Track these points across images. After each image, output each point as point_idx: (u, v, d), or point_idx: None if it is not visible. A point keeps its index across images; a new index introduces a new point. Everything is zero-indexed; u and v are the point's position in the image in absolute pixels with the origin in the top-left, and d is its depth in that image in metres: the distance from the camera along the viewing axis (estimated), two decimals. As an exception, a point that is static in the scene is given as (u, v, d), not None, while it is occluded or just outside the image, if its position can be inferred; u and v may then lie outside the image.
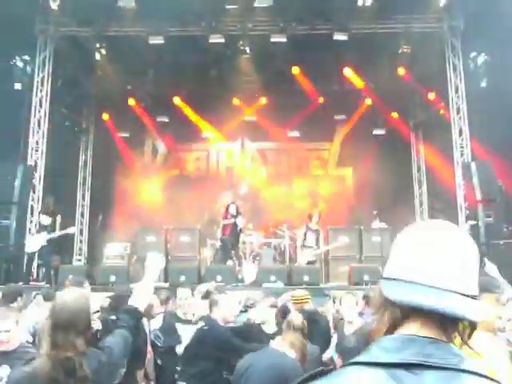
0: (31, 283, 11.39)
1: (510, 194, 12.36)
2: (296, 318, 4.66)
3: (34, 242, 11.58)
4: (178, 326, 5.87)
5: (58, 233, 11.81)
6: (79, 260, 15.95)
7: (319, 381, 1.21)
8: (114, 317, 4.00)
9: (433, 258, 1.22)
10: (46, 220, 11.73)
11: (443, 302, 1.17)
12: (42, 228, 11.73)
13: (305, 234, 12.51)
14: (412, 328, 1.22)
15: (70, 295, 3.00)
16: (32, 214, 13.11)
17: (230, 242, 12.54)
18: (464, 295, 1.20)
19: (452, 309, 1.17)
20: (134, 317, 3.23)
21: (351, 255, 13.23)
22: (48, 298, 6.21)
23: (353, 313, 5.55)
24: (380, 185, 15.68)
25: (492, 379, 1.16)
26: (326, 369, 1.24)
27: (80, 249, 16.37)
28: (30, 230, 12.72)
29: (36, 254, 11.83)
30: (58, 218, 11.92)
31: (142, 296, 3.38)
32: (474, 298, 1.21)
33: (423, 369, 1.14)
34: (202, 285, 9.41)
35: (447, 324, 1.21)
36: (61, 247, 13.96)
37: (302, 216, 14.26)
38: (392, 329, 1.25)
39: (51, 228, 11.74)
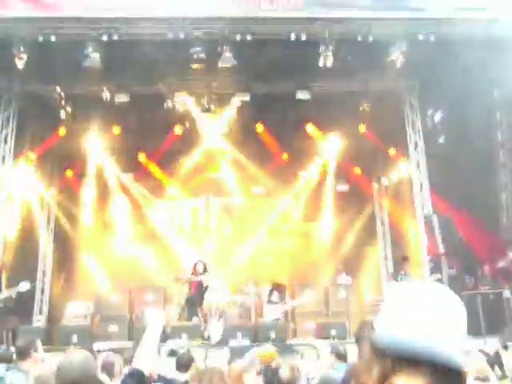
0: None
1: (470, 247, 12.62)
2: (283, 373, 4.62)
3: None
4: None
5: (8, 292, 11.24)
6: (39, 320, 15.46)
7: None
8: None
9: (430, 317, 1.24)
10: None
11: (442, 351, 1.21)
12: None
13: (270, 291, 12.51)
14: (402, 380, 1.21)
15: (76, 356, 2.94)
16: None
17: (195, 299, 12.40)
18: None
19: (449, 358, 1.21)
20: (139, 381, 2.93)
21: (317, 311, 13.23)
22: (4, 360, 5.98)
23: (316, 367, 5.51)
24: (344, 240, 15.85)
25: None
26: None
27: (40, 308, 15.89)
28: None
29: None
30: (3, 278, 11.40)
31: (146, 357, 3.05)
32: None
33: None
34: (167, 342, 9.28)
35: (438, 376, 1.21)
36: (19, 308, 13.55)
37: (268, 272, 14.28)
38: (382, 380, 1.24)
39: None
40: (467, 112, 12.47)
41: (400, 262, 13.13)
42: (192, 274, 12.70)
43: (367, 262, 16.09)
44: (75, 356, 2.93)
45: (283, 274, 15.35)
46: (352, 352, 7.33)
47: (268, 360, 6.07)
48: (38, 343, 5.88)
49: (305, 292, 13.02)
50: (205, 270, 12.65)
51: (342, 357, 5.87)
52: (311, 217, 17.48)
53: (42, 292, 16.08)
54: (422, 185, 13.80)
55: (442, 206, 13.43)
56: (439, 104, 14.36)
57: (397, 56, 11.95)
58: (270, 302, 12.44)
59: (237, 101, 14.62)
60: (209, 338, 11.53)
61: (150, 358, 3.14)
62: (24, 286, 11.25)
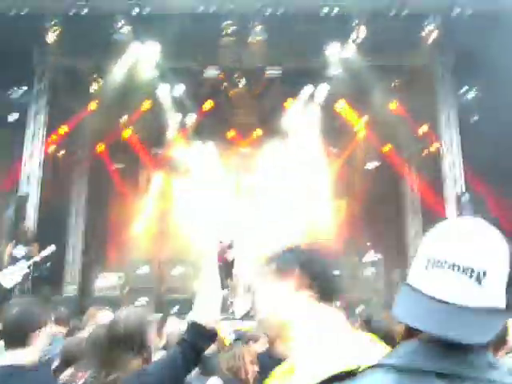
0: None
1: (502, 227, 12.39)
2: None
3: (12, 276, 11.09)
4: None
5: (37, 257, 11.40)
6: (71, 291, 15.78)
7: (345, 382, 1.17)
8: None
9: (445, 262, 1.15)
10: (22, 250, 11.44)
11: (448, 330, 1.08)
12: (13, 260, 11.30)
13: None
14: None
15: (129, 311, 2.87)
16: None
17: (223, 270, 12.46)
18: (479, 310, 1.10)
19: (459, 337, 1.07)
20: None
21: (343, 287, 13.21)
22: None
23: None
24: (374, 217, 15.73)
25: None
26: (353, 370, 1.19)
27: (72, 279, 16.20)
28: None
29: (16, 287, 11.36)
30: (36, 247, 11.61)
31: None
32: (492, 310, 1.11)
33: (461, 381, 1.07)
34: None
35: None
36: (51, 277, 13.87)
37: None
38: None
39: (29, 257, 11.39)
40: (503, 90, 12.14)
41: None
42: (219, 250, 12.72)
43: (397, 239, 15.96)
44: (128, 312, 2.84)
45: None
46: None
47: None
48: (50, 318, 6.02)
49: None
50: (230, 246, 12.66)
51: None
52: (342, 193, 17.36)
53: (73, 262, 16.38)
54: (454, 163, 13.57)
55: (475, 184, 13.21)
56: (474, 81, 14.01)
57: (430, 30, 11.70)
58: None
59: (268, 75, 14.53)
60: (233, 312, 11.61)
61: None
62: (50, 249, 11.49)
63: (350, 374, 1.19)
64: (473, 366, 1.08)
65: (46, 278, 13.37)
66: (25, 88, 13.94)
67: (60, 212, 15.54)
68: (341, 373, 1.20)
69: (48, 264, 12.71)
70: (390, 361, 1.15)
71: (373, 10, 11.39)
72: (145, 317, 2.86)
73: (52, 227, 14.11)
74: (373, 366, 1.16)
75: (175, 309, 11.08)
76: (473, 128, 13.75)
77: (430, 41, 11.94)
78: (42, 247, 11.82)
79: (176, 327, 6.31)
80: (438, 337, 1.08)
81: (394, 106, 15.06)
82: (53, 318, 6.09)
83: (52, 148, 14.95)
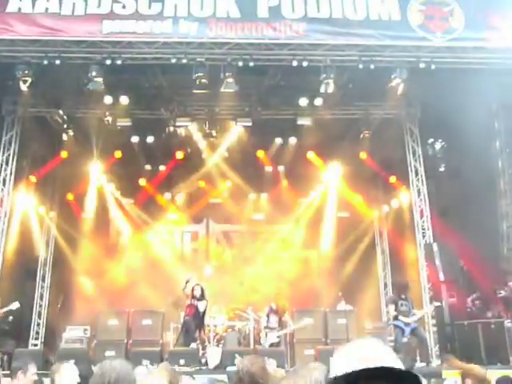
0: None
1: (472, 275, 12.56)
2: None
3: None
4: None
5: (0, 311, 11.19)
6: (35, 344, 15.30)
7: None
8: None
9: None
10: None
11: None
12: None
13: (267, 316, 12.43)
14: None
15: (117, 361, 2.96)
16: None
17: (193, 324, 12.25)
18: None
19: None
20: None
21: (317, 338, 13.08)
22: None
23: None
24: (344, 267, 15.77)
25: None
26: None
27: (37, 332, 15.72)
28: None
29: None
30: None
31: None
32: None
33: None
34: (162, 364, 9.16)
35: None
36: (16, 331, 13.44)
37: (267, 299, 14.19)
38: None
39: None
40: (467, 140, 12.50)
41: (400, 288, 13.03)
42: (189, 297, 12.57)
43: (367, 290, 15.97)
44: (115, 361, 2.97)
45: (283, 299, 15.22)
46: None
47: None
48: (31, 367, 5.81)
49: (303, 318, 12.91)
50: (202, 294, 12.51)
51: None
52: (311, 244, 17.42)
53: (39, 315, 15.93)
54: (422, 212, 13.78)
55: (443, 233, 13.39)
56: (440, 132, 14.43)
57: (398, 83, 12.05)
58: (267, 327, 12.37)
59: (238, 126, 14.73)
60: (206, 363, 11.38)
61: None
62: (14, 305, 11.39)
63: None
64: None
65: (10, 332, 12.98)
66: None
67: (26, 262, 15.20)
68: None
69: (10, 318, 12.37)
70: None
71: (341, 64, 11.70)
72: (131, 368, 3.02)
73: (18, 277, 13.80)
74: None
75: (144, 362, 10.77)
76: (440, 178, 14.07)
77: (397, 93, 12.28)
78: (7, 298, 11.52)
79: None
80: None
81: (363, 156, 15.32)
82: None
83: (21, 197, 14.74)
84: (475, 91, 10.97)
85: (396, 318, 11.76)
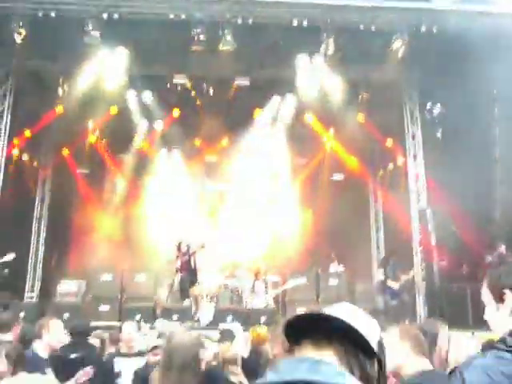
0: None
1: (463, 240, 12.68)
2: None
3: None
4: (119, 359, 5.77)
5: None
6: (31, 297, 15.48)
7: None
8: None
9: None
10: None
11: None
12: None
13: (253, 284, 12.59)
14: (303, 352, 1.35)
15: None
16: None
17: (187, 281, 12.41)
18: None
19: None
20: None
21: (308, 298, 13.25)
22: None
23: None
24: (338, 228, 15.87)
25: None
26: None
27: (32, 286, 15.91)
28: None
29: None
30: None
31: None
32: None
33: None
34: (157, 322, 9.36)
35: (337, 348, 1.33)
36: (12, 283, 13.57)
37: (260, 257, 14.37)
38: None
39: None
40: (466, 106, 12.45)
41: (389, 252, 13.22)
42: (177, 254, 12.69)
43: (360, 251, 16.12)
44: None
45: (276, 260, 15.37)
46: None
47: (259, 341, 6.08)
48: (21, 318, 5.93)
49: (297, 277, 13.06)
50: (189, 249, 12.64)
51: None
52: (306, 204, 17.49)
53: (34, 269, 16.08)
54: (417, 177, 13.81)
55: (437, 198, 13.45)
56: (439, 97, 14.31)
57: (398, 46, 11.92)
58: (253, 292, 12.55)
59: (236, 85, 14.59)
60: (199, 320, 11.57)
61: None
62: (9, 256, 11.55)
63: None
64: (321, 373, 1.24)
65: (5, 284, 13.10)
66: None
67: (22, 216, 15.23)
68: None
69: (6, 270, 12.48)
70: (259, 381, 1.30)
71: (343, 23, 11.54)
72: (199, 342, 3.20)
73: (13, 232, 13.85)
74: None
75: (137, 317, 10.94)
76: (437, 142, 14.04)
77: (398, 56, 12.16)
78: (2, 251, 11.59)
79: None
80: None
81: (360, 119, 15.25)
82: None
83: (15, 151, 14.70)
84: (477, 57, 10.86)
85: (384, 282, 11.97)
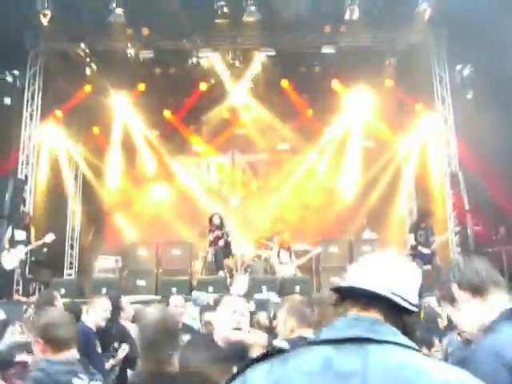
0: (15, 298, 11.33)
1: (497, 203, 12.50)
2: None
3: (11, 258, 11.29)
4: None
5: (35, 243, 11.59)
6: (70, 274, 15.89)
7: (271, 361, 1.36)
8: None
9: (373, 273, 1.52)
10: (21, 234, 11.52)
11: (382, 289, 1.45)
12: (16, 243, 11.41)
13: (278, 253, 12.62)
14: (354, 311, 1.47)
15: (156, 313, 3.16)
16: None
17: (221, 252, 12.54)
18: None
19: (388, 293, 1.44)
20: None
21: (342, 266, 13.28)
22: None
23: None
24: (370, 195, 15.81)
25: (419, 351, 1.37)
26: (277, 349, 1.40)
27: (71, 263, 16.32)
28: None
29: (16, 270, 11.55)
30: (33, 232, 11.70)
31: None
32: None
33: (369, 343, 1.33)
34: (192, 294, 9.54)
35: (384, 310, 1.45)
36: (51, 261, 13.94)
37: (293, 228, 14.43)
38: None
39: (27, 242, 11.51)
40: (497, 67, 12.15)
41: (420, 216, 13.08)
42: (210, 227, 12.78)
43: (392, 217, 16.05)
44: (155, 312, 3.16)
45: (308, 229, 15.42)
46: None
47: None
48: (57, 295, 6.19)
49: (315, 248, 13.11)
50: (221, 222, 12.73)
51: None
52: (336, 173, 17.44)
53: (72, 247, 16.47)
54: (448, 141, 13.64)
55: (470, 162, 13.26)
56: (468, 58, 14.00)
57: (425, 7, 11.68)
58: (280, 263, 12.58)
59: (262, 56, 14.52)
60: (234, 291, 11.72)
61: None
62: (49, 237, 11.66)
63: (275, 353, 1.40)
64: (380, 332, 1.37)
65: (45, 262, 13.48)
66: (17, 72, 13.87)
67: (57, 196, 15.55)
68: (266, 352, 1.41)
69: (45, 249, 12.80)
70: (316, 338, 1.42)
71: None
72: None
73: (49, 211, 14.17)
74: (303, 344, 1.41)
75: (173, 290, 11.16)
76: (467, 105, 13.78)
77: (424, 18, 11.92)
78: (39, 231, 11.88)
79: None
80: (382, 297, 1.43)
81: (389, 84, 15.05)
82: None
83: (48, 131, 14.96)
84: (507, 14, 10.57)
85: (415, 247, 11.92)
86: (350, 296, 1.49)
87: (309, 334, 3.43)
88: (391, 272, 1.50)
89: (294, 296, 6.56)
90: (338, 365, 1.28)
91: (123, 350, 5.45)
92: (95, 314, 5.51)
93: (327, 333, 1.39)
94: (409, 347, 1.34)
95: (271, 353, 1.39)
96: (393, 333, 1.37)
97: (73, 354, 3.00)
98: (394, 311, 1.44)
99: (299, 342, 3.21)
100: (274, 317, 5.62)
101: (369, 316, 1.42)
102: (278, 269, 12.56)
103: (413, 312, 1.45)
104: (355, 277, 1.52)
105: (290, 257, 12.56)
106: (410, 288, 1.49)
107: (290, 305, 3.72)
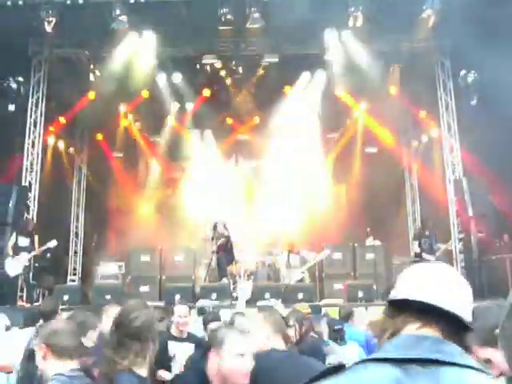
0: (19, 304, 11.33)
1: (501, 210, 12.47)
2: None
3: (15, 265, 11.27)
4: (174, 344, 5.87)
5: (38, 250, 11.54)
6: (73, 280, 15.90)
7: (334, 378, 1.28)
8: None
9: (431, 286, 1.41)
10: (24, 241, 11.48)
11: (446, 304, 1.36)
12: (19, 249, 11.37)
13: (288, 256, 12.61)
14: (410, 326, 1.37)
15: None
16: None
17: (225, 259, 12.52)
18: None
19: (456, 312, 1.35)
20: None
21: (345, 272, 13.27)
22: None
23: None
24: (373, 201, 15.78)
25: (490, 374, 1.29)
26: (339, 366, 1.31)
27: (74, 269, 16.34)
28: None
29: (20, 276, 11.55)
30: (36, 239, 11.68)
31: None
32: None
33: (438, 365, 1.24)
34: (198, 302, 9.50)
35: (443, 326, 1.35)
36: (55, 267, 13.95)
37: (296, 234, 14.40)
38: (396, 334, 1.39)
39: (30, 248, 11.48)
40: (501, 73, 12.13)
41: (423, 224, 13.07)
42: (213, 235, 12.74)
43: (396, 224, 16.02)
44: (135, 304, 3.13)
45: (312, 235, 15.38)
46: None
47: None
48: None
49: (321, 251, 13.02)
50: (225, 230, 12.70)
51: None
52: (340, 179, 17.42)
53: (75, 252, 16.48)
54: (452, 147, 13.61)
55: (473, 168, 13.23)
56: (472, 64, 13.97)
57: (429, 14, 11.67)
58: (288, 266, 12.54)
59: (265, 63, 14.53)
60: (237, 298, 11.70)
61: None
62: (52, 243, 11.65)
63: (337, 370, 1.30)
64: (446, 353, 1.28)
65: (48, 269, 13.49)
66: (21, 79, 13.90)
67: (60, 202, 15.58)
68: (329, 368, 1.32)
69: (48, 255, 12.81)
70: (378, 355, 1.31)
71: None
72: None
73: (52, 217, 14.19)
74: (363, 361, 1.31)
75: (177, 297, 11.13)
76: (471, 112, 13.75)
77: (428, 25, 11.91)
78: (43, 238, 11.88)
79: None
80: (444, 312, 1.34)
81: (393, 91, 15.04)
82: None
83: (51, 139, 15.00)
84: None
85: (420, 254, 11.91)
86: (406, 309, 1.40)
87: (281, 345, 3.42)
88: (450, 287, 1.41)
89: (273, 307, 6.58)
90: None
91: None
92: (108, 321, 5.46)
93: (389, 351, 1.30)
94: (479, 370, 1.27)
95: (331, 370, 1.31)
96: (459, 353, 1.30)
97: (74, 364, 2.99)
98: (452, 328, 1.36)
99: (272, 354, 3.24)
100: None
101: (430, 334, 1.34)
102: (285, 274, 12.55)
103: (470, 330, 1.39)
104: (411, 289, 1.42)
105: (301, 261, 12.54)
106: (468, 305, 1.42)
107: (269, 313, 3.75)
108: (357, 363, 1.30)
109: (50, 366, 2.94)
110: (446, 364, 1.24)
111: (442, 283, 1.41)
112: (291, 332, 5.17)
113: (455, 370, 1.23)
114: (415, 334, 1.34)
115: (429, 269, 1.48)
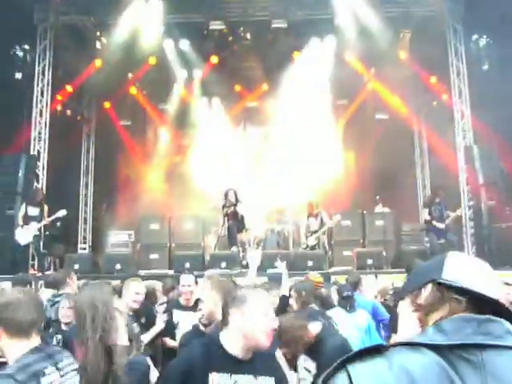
0: (31, 272, 11.43)
1: (512, 177, 12.37)
2: None
3: (25, 234, 11.36)
4: (179, 313, 5.93)
5: (48, 219, 11.58)
6: (84, 248, 16.03)
7: (371, 360, 1.24)
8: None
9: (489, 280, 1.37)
10: (34, 211, 11.54)
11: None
12: (29, 219, 11.45)
13: (308, 219, 12.60)
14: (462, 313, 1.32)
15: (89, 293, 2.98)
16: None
17: (235, 227, 12.52)
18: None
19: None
20: None
21: (354, 239, 13.24)
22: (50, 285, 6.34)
23: None
24: (383, 168, 15.68)
25: None
26: (382, 346, 1.26)
27: (84, 237, 16.45)
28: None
29: (31, 245, 11.62)
30: (46, 208, 11.72)
31: None
32: None
33: (481, 349, 1.20)
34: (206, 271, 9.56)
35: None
36: (65, 236, 14.04)
37: (305, 201, 14.36)
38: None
39: (40, 218, 11.52)
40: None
41: (434, 192, 13.00)
42: (224, 203, 12.71)
43: (405, 191, 15.93)
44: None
45: (321, 202, 15.34)
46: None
47: (317, 284, 6.14)
48: (72, 272, 6.24)
49: (334, 216, 12.98)
50: (236, 198, 12.66)
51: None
52: (350, 145, 17.31)
53: (85, 221, 16.57)
54: (463, 114, 13.43)
55: (484, 135, 13.10)
56: (484, 29, 13.72)
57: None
58: (310, 232, 12.48)
59: (273, 28, 14.32)
60: (247, 265, 11.75)
61: None
62: (61, 213, 11.65)
63: (379, 350, 1.25)
64: (492, 333, 1.23)
65: (59, 237, 13.58)
66: (27, 47, 13.80)
67: (69, 171, 15.61)
68: (371, 347, 1.27)
69: (58, 224, 12.88)
70: (422, 339, 1.26)
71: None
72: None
73: (61, 186, 14.21)
74: (405, 343, 1.26)
75: (187, 264, 11.20)
76: (483, 77, 13.54)
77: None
78: (53, 207, 11.92)
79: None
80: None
81: (403, 56, 14.81)
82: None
83: (59, 107, 14.93)
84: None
85: (430, 222, 11.89)
86: (460, 297, 1.35)
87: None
88: (493, 279, 1.38)
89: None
90: (454, 377, 1.17)
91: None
92: (128, 296, 5.47)
93: (437, 337, 1.26)
94: None
95: (369, 350, 1.25)
96: (507, 332, 1.24)
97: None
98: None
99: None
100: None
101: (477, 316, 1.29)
102: (302, 238, 12.57)
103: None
104: (459, 275, 1.37)
105: (321, 225, 12.47)
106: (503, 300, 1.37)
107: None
108: (394, 346, 1.26)
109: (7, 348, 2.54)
110: (492, 347, 1.20)
111: (494, 278, 1.39)
112: (291, 301, 5.24)
113: (500, 352, 1.20)
114: (462, 315, 1.30)
115: (478, 262, 1.44)
